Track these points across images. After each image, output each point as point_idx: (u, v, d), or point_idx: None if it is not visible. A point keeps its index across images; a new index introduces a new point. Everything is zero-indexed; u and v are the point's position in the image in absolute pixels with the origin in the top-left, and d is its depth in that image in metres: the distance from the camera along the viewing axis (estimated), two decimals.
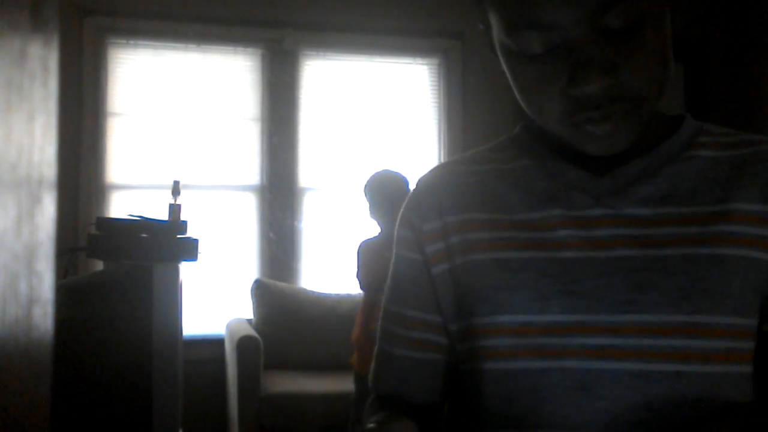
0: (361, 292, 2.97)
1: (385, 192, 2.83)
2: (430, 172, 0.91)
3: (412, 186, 2.92)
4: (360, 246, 2.93)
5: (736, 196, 0.77)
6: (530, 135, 0.87)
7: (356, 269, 2.92)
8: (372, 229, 2.99)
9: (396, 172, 2.93)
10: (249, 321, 4.02)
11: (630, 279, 0.75)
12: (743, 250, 0.75)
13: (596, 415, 0.73)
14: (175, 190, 2.95)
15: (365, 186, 2.91)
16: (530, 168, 0.84)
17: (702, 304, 0.73)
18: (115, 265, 2.18)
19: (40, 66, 0.35)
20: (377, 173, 2.92)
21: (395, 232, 0.91)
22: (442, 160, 4.48)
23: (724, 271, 0.74)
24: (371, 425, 0.70)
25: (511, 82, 0.77)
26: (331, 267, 4.28)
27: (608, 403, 0.73)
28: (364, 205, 2.93)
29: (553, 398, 0.75)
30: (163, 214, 3.00)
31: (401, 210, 0.91)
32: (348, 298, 4.04)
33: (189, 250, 2.16)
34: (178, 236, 2.19)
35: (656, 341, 0.73)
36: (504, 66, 0.77)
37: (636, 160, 0.80)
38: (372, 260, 2.84)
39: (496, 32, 0.76)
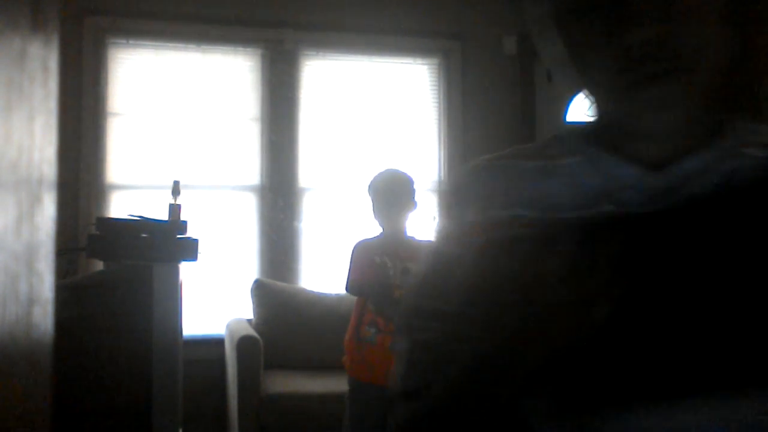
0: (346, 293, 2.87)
1: (389, 192, 2.75)
2: (472, 167, 0.87)
3: (418, 185, 2.89)
4: (355, 246, 2.83)
5: None
6: (575, 133, 0.84)
7: (347, 270, 2.81)
8: (372, 229, 2.93)
9: (402, 172, 2.84)
10: (249, 321, 4.02)
11: None
12: None
13: None
14: (175, 190, 2.95)
15: (370, 184, 2.81)
16: (580, 165, 0.81)
17: None
18: (115, 265, 2.18)
19: (40, 66, 0.35)
20: (383, 172, 2.83)
21: (435, 228, 0.88)
22: (442, 160, 4.48)
23: None
24: None
25: (566, 50, 0.76)
26: (331, 267, 4.28)
27: None
28: (368, 203, 2.83)
29: None
30: (163, 214, 3.00)
31: (444, 204, 0.88)
32: (348, 298, 4.02)
33: (189, 250, 2.16)
34: (178, 236, 2.19)
35: None
36: (559, 36, 0.77)
37: (689, 157, 0.77)
38: (363, 263, 2.75)
39: None
